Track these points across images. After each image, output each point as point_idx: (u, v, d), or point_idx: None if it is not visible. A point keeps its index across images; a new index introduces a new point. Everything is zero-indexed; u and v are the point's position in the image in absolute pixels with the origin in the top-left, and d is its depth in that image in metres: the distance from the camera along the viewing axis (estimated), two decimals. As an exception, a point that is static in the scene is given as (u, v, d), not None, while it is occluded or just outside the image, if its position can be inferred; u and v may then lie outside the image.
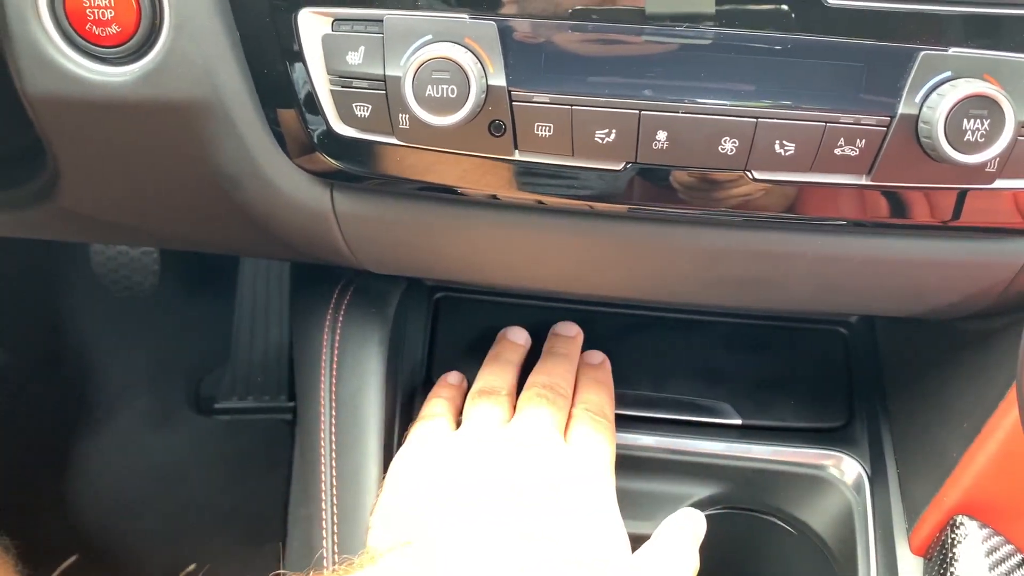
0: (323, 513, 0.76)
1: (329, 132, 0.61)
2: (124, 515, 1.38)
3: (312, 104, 0.60)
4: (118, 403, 1.48)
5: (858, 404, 0.86)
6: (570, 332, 0.88)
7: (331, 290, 0.85)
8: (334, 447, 0.78)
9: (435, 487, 0.71)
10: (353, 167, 0.63)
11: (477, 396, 0.79)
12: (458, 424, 0.79)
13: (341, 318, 0.83)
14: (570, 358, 0.84)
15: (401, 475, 0.74)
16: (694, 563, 0.72)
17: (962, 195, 0.61)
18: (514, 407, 0.78)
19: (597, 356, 0.86)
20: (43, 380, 1.44)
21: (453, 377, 0.85)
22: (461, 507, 0.69)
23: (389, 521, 0.71)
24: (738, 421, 0.85)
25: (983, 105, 0.54)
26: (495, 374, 0.81)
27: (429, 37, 0.57)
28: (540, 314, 0.90)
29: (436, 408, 0.80)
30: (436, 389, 0.84)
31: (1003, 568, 0.70)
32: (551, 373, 0.81)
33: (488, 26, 0.56)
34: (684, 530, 0.73)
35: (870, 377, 0.88)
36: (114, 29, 0.60)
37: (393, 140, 0.61)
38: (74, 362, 1.49)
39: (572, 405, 0.79)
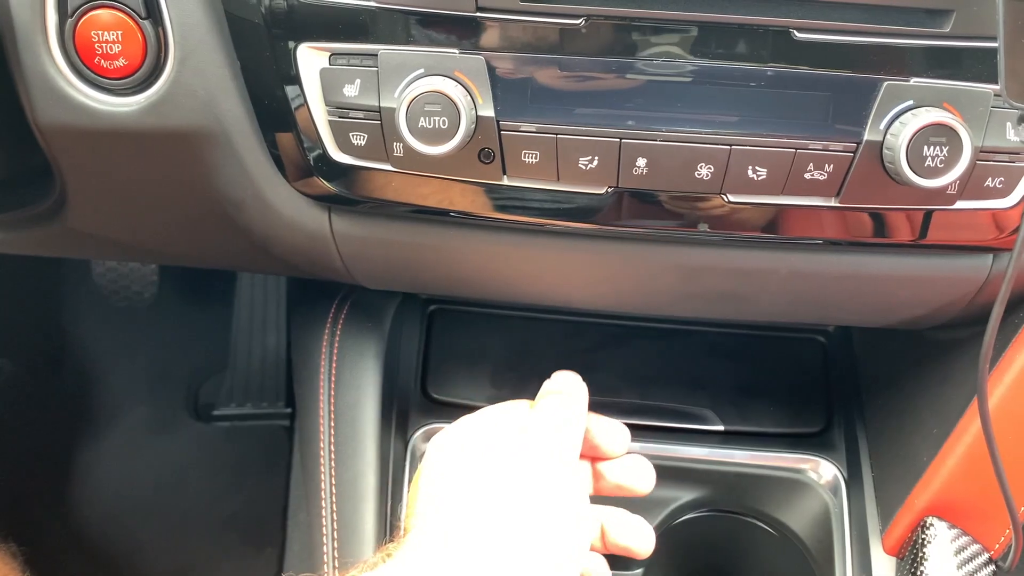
0: (323, 519, 0.79)
1: (327, 159, 0.64)
2: (125, 521, 1.40)
3: (310, 133, 0.64)
4: (119, 411, 1.50)
5: (835, 410, 0.89)
6: None
7: (328, 304, 0.88)
8: (333, 457, 0.81)
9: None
10: (350, 192, 0.66)
11: None
12: None
13: (339, 332, 0.86)
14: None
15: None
16: (576, 423, 0.72)
17: (926, 216, 0.64)
18: None
19: None
20: (45, 388, 1.46)
21: None
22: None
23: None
24: (720, 427, 0.89)
25: (942, 133, 0.58)
26: None
27: (421, 71, 0.60)
28: (532, 325, 0.93)
29: None
30: None
31: (971, 567, 0.74)
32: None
33: (477, 60, 0.60)
34: (555, 394, 0.73)
35: (847, 383, 0.91)
36: (121, 62, 0.63)
37: (388, 167, 0.64)
38: (75, 370, 1.51)
39: None
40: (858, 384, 0.91)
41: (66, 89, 0.64)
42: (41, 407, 1.45)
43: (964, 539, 0.74)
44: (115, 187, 0.73)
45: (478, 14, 0.59)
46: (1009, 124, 0.60)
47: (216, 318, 1.58)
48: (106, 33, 0.62)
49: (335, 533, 0.78)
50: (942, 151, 0.58)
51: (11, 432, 1.37)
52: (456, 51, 0.60)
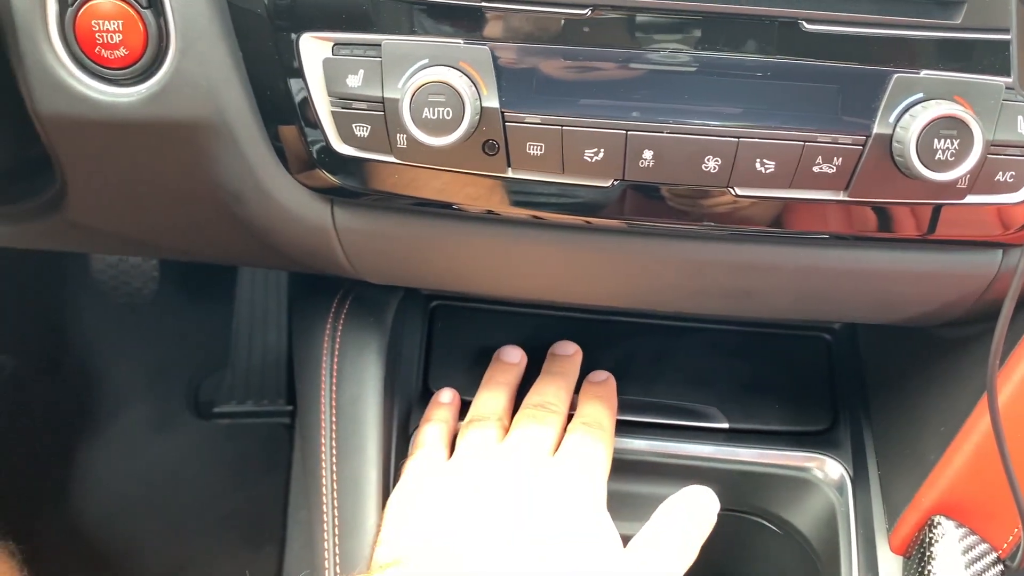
0: (324, 516, 0.78)
1: (329, 150, 0.63)
2: (125, 518, 1.40)
3: (313, 124, 0.63)
4: (119, 408, 1.49)
5: (841, 408, 0.89)
6: (567, 351, 0.89)
7: (330, 299, 0.87)
8: (335, 453, 0.80)
9: (424, 525, 0.73)
10: (353, 184, 0.65)
11: (468, 425, 0.81)
12: (452, 449, 0.81)
13: (340, 327, 0.85)
14: (566, 376, 0.85)
15: (395, 513, 0.76)
16: (688, 556, 0.72)
17: (936, 210, 0.63)
18: (507, 429, 0.81)
19: (601, 375, 0.88)
20: (45, 385, 1.46)
21: (445, 395, 0.86)
22: (451, 539, 0.71)
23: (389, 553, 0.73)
24: (725, 425, 0.88)
25: (953, 126, 0.57)
26: (486, 400, 0.83)
27: (425, 61, 0.59)
28: (534, 322, 0.93)
29: (428, 437, 0.82)
30: (428, 412, 0.85)
31: (979, 566, 0.73)
32: (543, 392, 0.83)
33: (482, 50, 0.59)
34: (679, 518, 0.75)
35: (853, 381, 0.90)
36: (122, 52, 0.63)
37: (391, 159, 0.63)
38: (76, 367, 1.51)
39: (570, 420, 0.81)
40: (864, 382, 0.90)
41: (66, 79, 0.63)
42: (42, 404, 1.44)
43: (972, 538, 0.73)
44: (115, 178, 0.72)
45: (483, 3, 0.58)
46: (1021, 117, 0.59)
47: (217, 315, 1.58)
48: (107, 23, 0.62)
49: (336, 530, 0.77)
50: (952, 144, 0.57)
51: (12, 429, 1.37)
52: (461, 41, 0.59)
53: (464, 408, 0.85)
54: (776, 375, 0.91)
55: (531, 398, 0.83)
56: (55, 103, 0.64)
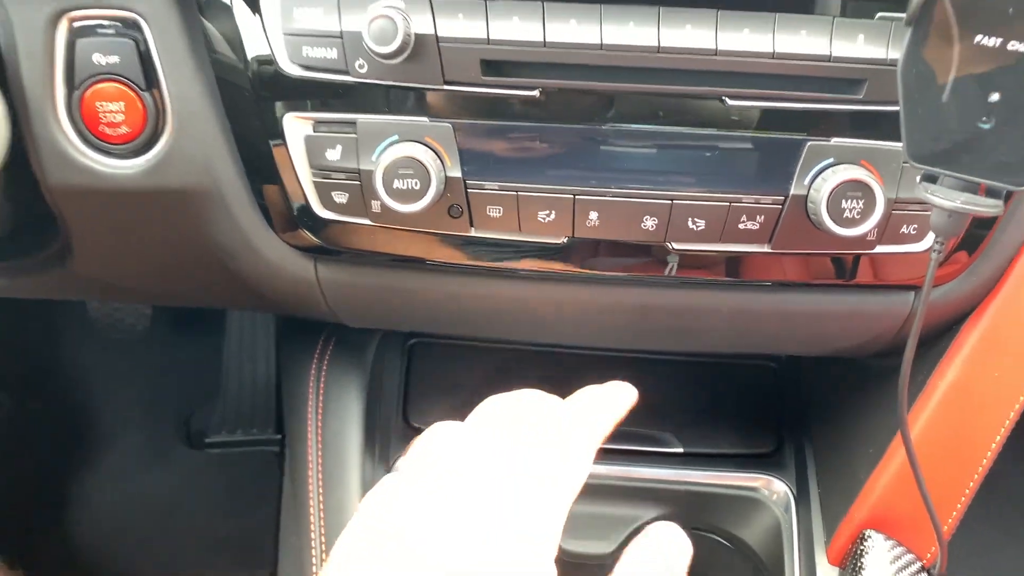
0: (312, 542, 0.85)
1: (311, 214, 0.71)
2: (120, 546, 1.43)
3: (297, 192, 0.70)
4: (113, 439, 1.53)
5: (786, 432, 0.96)
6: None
7: (315, 341, 0.94)
8: (321, 483, 0.87)
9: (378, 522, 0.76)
10: (333, 243, 0.73)
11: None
12: None
13: (325, 366, 0.92)
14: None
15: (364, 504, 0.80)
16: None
17: (851, 259, 0.71)
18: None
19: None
20: (42, 418, 1.50)
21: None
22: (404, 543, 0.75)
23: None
24: (680, 449, 0.95)
25: (858, 188, 0.65)
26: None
27: (395, 137, 0.67)
28: (503, 355, 1.00)
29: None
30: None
31: (905, 574, 0.80)
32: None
33: (445, 127, 0.67)
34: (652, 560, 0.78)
35: (797, 407, 0.98)
36: (124, 130, 0.70)
37: (367, 221, 0.71)
38: (71, 400, 1.54)
39: None
40: (807, 407, 0.98)
41: (73, 154, 0.70)
42: (38, 436, 1.48)
43: (899, 549, 0.81)
44: (117, 239, 0.79)
45: (445, 87, 0.66)
46: (918, 178, 0.67)
47: (207, 348, 1.62)
48: (110, 103, 0.69)
49: (324, 555, 0.84)
50: (859, 204, 0.65)
51: (10, 461, 1.41)
52: (426, 119, 0.67)
53: None
54: (727, 402, 0.98)
55: None
56: (64, 175, 0.71)
